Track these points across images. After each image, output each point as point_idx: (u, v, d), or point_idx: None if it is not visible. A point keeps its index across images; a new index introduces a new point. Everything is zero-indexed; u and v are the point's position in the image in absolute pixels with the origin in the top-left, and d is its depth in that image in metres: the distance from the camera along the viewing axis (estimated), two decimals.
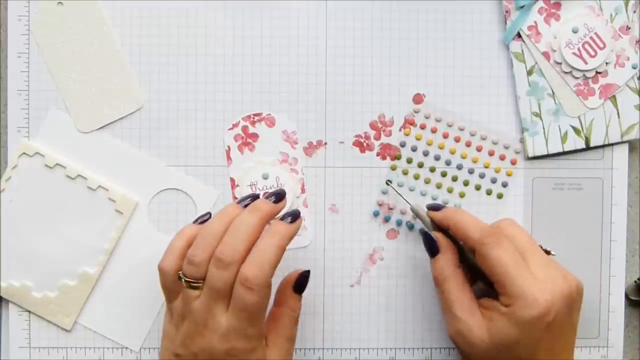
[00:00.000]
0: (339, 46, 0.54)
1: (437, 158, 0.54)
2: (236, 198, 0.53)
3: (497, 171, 0.54)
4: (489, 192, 0.54)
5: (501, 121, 0.54)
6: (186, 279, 0.45)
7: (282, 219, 0.46)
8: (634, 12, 0.53)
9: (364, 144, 0.54)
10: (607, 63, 0.53)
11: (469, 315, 0.46)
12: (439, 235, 0.49)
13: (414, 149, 0.54)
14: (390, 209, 0.54)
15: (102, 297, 0.54)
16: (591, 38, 0.53)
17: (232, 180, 0.53)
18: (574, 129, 0.54)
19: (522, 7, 0.53)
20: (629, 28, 0.53)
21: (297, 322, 0.49)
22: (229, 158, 0.54)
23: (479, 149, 0.54)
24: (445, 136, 0.54)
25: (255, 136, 0.54)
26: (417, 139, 0.54)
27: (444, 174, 0.54)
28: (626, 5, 0.53)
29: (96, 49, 0.53)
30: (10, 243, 0.53)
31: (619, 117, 0.54)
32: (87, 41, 0.53)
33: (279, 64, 0.53)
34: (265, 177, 0.53)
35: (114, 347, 0.54)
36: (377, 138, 0.54)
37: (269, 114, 0.54)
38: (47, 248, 0.53)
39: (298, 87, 0.54)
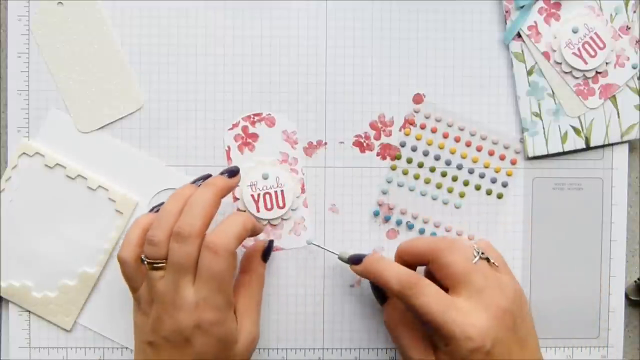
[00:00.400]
0: (339, 46, 0.54)
1: (437, 158, 0.54)
2: (237, 199, 0.53)
3: (497, 171, 0.54)
4: (489, 192, 0.54)
5: (501, 121, 0.54)
6: (148, 261, 0.45)
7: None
8: (634, 12, 0.53)
9: (364, 144, 0.54)
10: (607, 63, 0.53)
11: (423, 358, 0.47)
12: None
13: (414, 149, 0.54)
14: (390, 209, 0.54)
15: (102, 297, 0.54)
16: (591, 38, 0.53)
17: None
18: (574, 129, 0.54)
19: (522, 7, 0.53)
20: (629, 28, 0.53)
21: (262, 289, 0.51)
22: (229, 158, 0.54)
23: (479, 149, 0.54)
24: (445, 136, 0.54)
25: (255, 136, 0.54)
26: (417, 139, 0.54)
27: (444, 174, 0.54)
28: (626, 5, 0.53)
29: (96, 49, 0.53)
30: (10, 243, 0.53)
31: (619, 117, 0.54)
32: (87, 41, 0.53)
33: (279, 64, 0.53)
34: (265, 177, 0.53)
35: (114, 347, 0.54)
36: (377, 138, 0.54)
37: (269, 114, 0.54)
38: (47, 248, 0.53)
39: (298, 87, 0.54)
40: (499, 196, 0.54)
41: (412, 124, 0.54)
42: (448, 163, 0.54)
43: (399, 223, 0.54)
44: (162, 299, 0.45)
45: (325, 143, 0.54)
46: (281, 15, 0.53)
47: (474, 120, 0.54)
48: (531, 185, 0.54)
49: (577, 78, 0.53)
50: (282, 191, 0.53)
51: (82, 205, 0.53)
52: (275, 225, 0.53)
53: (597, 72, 0.53)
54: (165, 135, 0.54)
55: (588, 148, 0.54)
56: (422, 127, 0.54)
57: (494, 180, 0.54)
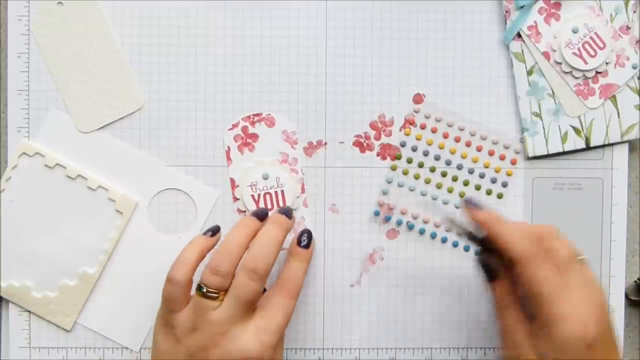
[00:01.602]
0: (339, 46, 0.54)
1: (437, 158, 0.54)
2: (237, 199, 0.53)
3: (497, 171, 0.54)
4: (489, 192, 0.54)
5: (501, 121, 0.54)
6: (208, 290, 0.45)
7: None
8: (634, 12, 0.53)
9: (364, 144, 0.54)
10: (607, 63, 0.53)
11: (519, 345, 0.45)
12: (496, 262, 0.47)
13: (414, 149, 0.54)
14: (391, 208, 0.54)
15: (102, 297, 0.54)
16: (591, 38, 0.53)
17: (232, 180, 0.53)
18: (574, 129, 0.54)
19: (522, 7, 0.53)
20: (629, 28, 0.53)
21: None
22: (228, 158, 0.54)
23: (479, 149, 0.54)
24: (445, 136, 0.54)
25: (255, 136, 0.54)
26: (417, 139, 0.54)
27: (444, 174, 0.54)
28: (626, 5, 0.53)
29: (96, 49, 0.53)
30: (10, 243, 0.53)
31: (619, 117, 0.54)
32: (87, 41, 0.53)
33: (279, 64, 0.53)
34: (265, 178, 0.53)
35: (114, 347, 0.54)
36: (377, 138, 0.54)
37: (269, 114, 0.54)
38: (47, 248, 0.53)
39: (298, 87, 0.54)
40: (499, 196, 0.54)
41: (412, 124, 0.54)
42: (448, 163, 0.54)
43: (399, 223, 0.54)
44: (212, 329, 0.44)
45: (325, 143, 0.54)
46: (281, 15, 0.53)
47: (474, 120, 0.54)
48: (531, 185, 0.54)
49: (577, 78, 0.53)
50: (282, 191, 0.53)
51: (82, 205, 0.53)
52: None
53: (597, 72, 0.53)
54: (165, 135, 0.54)
55: (588, 148, 0.54)
56: (422, 127, 0.54)
57: (494, 180, 0.54)
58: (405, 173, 0.54)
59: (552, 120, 0.54)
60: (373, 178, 0.54)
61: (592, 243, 0.54)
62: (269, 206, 0.53)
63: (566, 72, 0.53)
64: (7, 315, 0.54)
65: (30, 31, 0.53)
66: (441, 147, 0.54)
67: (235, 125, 0.54)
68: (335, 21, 0.54)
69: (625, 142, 0.54)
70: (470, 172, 0.54)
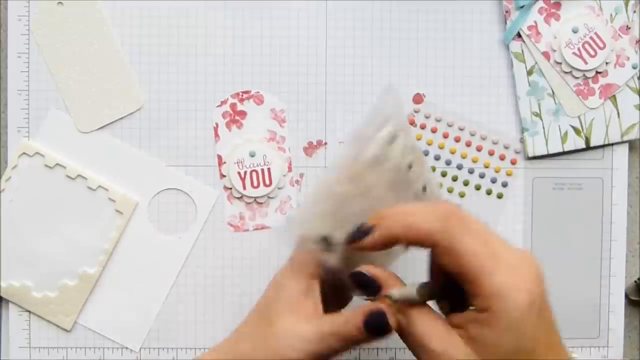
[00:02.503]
0: (339, 46, 0.54)
1: (437, 158, 0.54)
2: (223, 176, 0.53)
3: (497, 171, 0.54)
4: (489, 192, 0.54)
5: (501, 121, 0.54)
6: None
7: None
8: (634, 12, 0.53)
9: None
10: (607, 63, 0.53)
11: (448, 345, 0.36)
12: (374, 271, 0.39)
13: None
14: None
15: (102, 297, 0.54)
16: (591, 38, 0.53)
17: (219, 157, 0.53)
18: (574, 129, 0.54)
19: (522, 7, 0.53)
20: (629, 28, 0.53)
21: None
22: (216, 135, 0.54)
23: (479, 149, 0.54)
24: (445, 136, 0.54)
25: (243, 114, 0.54)
26: (417, 139, 0.54)
27: (444, 174, 0.54)
28: (626, 5, 0.53)
29: (96, 49, 0.53)
30: (10, 243, 0.53)
31: (619, 117, 0.54)
32: (87, 41, 0.53)
33: (279, 64, 0.53)
34: (252, 155, 0.53)
35: (114, 347, 0.54)
36: None
37: (258, 92, 0.53)
38: (47, 248, 0.53)
39: (298, 87, 0.54)
40: (499, 196, 0.54)
41: (412, 123, 0.54)
42: (448, 163, 0.54)
43: None
44: None
45: (325, 143, 0.54)
46: (281, 15, 0.53)
47: (474, 120, 0.54)
48: (531, 185, 0.54)
49: (577, 78, 0.53)
50: (268, 169, 0.53)
51: (82, 205, 0.53)
52: (261, 203, 0.53)
53: (597, 72, 0.53)
54: (165, 135, 0.54)
55: (588, 148, 0.54)
56: (422, 127, 0.54)
57: (494, 180, 0.54)
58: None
59: (552, 120, 0.54)
60: None
61: (592, 243, 0.54)
62: (255, 184, 0.53)
63: (566, 72, 0.53)
64: (7, 315, 0.54)
65: (30, 31, 0.53)
66: (441, 147, 0.54)
67: (223, 102, 0.54)
68: (335, 21, 0.53)
69: (625, 142, 0.54)
70: (470, 172, 0.54)
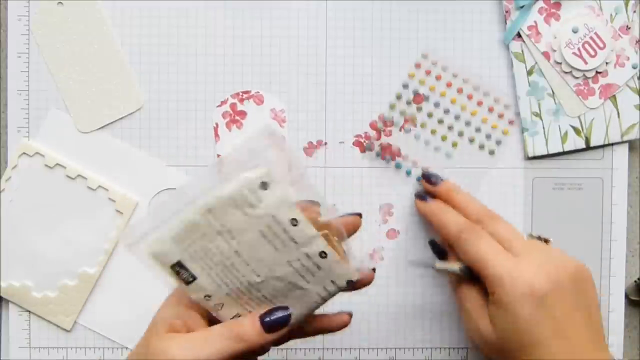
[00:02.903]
0: (339, 46, 0.54)
1: (436, 105, 0.54)
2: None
3: (493, 127, 0.54)
4: (481, 147, 0.54)
5: (501, 121, 0.54)
6: None
7: None
8: (634, 12, 0.53)
9: (364, 144, 0.54)
10: (607, 63, 0.53)
11: (476, 317, 0.45)
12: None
13: (415, 92, 0.54)
14: (381, 144, 0.54)
15: (102, 297, 0.54)
16: (591, 38, 0.53)
17: (219, 157, 0.53)
18: (574, 129, 0.54)
19: (522, 7, 0.53)
20: (629, 28, 0.53)
21: None
22: (216, 135, 0.54)
23: (479, 104, 0.54)
24: (449, 85, 0.54)
25: (243, 114, 0.54)
26: (421, 83, 0.54)
27: (440, 121, 0.54)
28: (626, 5, 0.53)
29: (96, 49, 0.53)
30: (10, 243, 0.53)
31: (619, 117, 0.54)
32: (87, 41, 0.53)
33: (279, 64, 0.53)
34: None
35: (114, 347, 0.54)
36: (377, 138, 0.54)
37: (258, 92, 0.54)
38: (47, 248, 0.53)
39: (298, 87, 0.54)
40: (491, 152, 0.54)
41: (418, 67, 0.53)
42: (446, 111, 0.54)
43: (387, 161, 0.54)
44: None
45: (325, 143, 0.54)
46: (281, 15, 0.53)
47: (477, 74, 0.54)
48: (531, 185, 0.54)
49: (577, 78, 0.53)
50: None
51: (82, 205, 0.53)
52: None
53: (597, 72, 0.53)
54: (165, 135, 0.54)
55: (588, 148, 0.54)
56: (427, 72, 0.53)
57: (488, 136, 0.54)
58: (402, 113, 0.54)
59: (552, 120, 0.54)
60: (373, 178, 0.54)
61: (592, 243, 0.54)
62: None
63: (566, 72, 0.53)
64: (7, 315, 0.54)
65: (30, 31, 0.53)
66: (442, 95, 0.54)
67: (223, 102, 0.54)
68: (335, 21, 0.54)
69: (625, 142, 0.54)
70: (467, 124, 0.54)
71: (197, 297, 0.41)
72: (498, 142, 0.54)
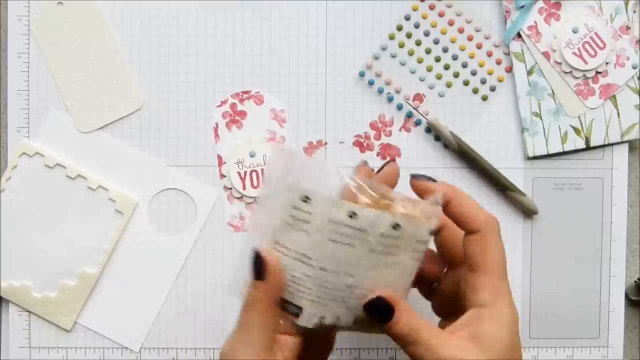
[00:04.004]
0: (339, 46, 0.54)
1: (436, 42, 0.53)
2: (223, 176, 0.53)
3: (489, 73, 0.54)
4: (475, 91, 0.54)
5: (501, 121, 0.54)
6: None
7: None
8: (634, 12, 0.53)
9: (364, 144, 0.54)
10: (607, 63, 0.53)
11: (456, 349, 0.39)
12: (387, 295, 0.40)
13: (416, 25, 0.53)
14: (377, 75, 0.54)
15: (102, 297, 0.54)
16: (591, 38, 0.53)
17: (219, 157, 0.53)
18: (574, 129, 0.54)
19: (522, 7, 0.53)
20: (629, 28, 0.53)
21: None
22: (216, 135, 0.54)
23: (479, 46, 0.54)
24: (451, 23, 0.53)
25: (243, 114, 0.54)
26: (423, 17, 0.53)
27: (437, 59, 0.54)
28: (626, 5, 0.53)
29: (96, 49, 0.53)
30: (10, 243, 0.53)
31: (619, 117, 0.54)
32: (87, 41, 0.53)
33: (279, 64, 0.53)
34: (252, 155, 0.53)
35: (114, 347, 0.54)
36: (377, 138, 0.54)
37: (258, 92, 0.54)
38: (47, 248, 0.53)
39: (298, 87, 0.54)
40: (484, 98, 0.54)
41: (416, 9, 0.53)
42: (445, 50, 0.54)
43: (380, 91, 0.54)
44: None
45: (325, 143, 0.54)
46: (281, 15, 0.53)
47: (483, 18, 0.54)
48: (531, 185, 0.54)
49: (577, 78, 0.53)
50: None
51: (82, 205, 0.53)
52: None
53: (597, 72, 0.53)
54: (165, 135, 0.54)
55: (588, 148, 0.54)
56: (432, 7, 0.53)
57: (483, 81, 0.54)
58: (401, 46, 0.53)
59: (552, 120, 0.54)
60: None
61: (592, 243, 0.54)
62: (255, 184, 0.53)
63: (566, 72, 0.53)
64: (7, 315, 0.54)
65: (30, 31, 0.53)
66: (443, 33, 0.53)
67: (223, 102, 0.54)
68: (335, 21, 0.54)
69: (625, 142, 0.54)
70: (464, 65, 0.54)
71: (312, 323, 0.40)
72: (492, 89, 0.54)
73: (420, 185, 0.42)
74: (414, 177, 0.43)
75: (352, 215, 0.38)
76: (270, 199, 0.39)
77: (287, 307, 0.40)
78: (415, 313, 0.40)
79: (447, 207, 0.41)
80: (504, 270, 0.41)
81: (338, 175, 0.40)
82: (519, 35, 0.53)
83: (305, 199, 0.38)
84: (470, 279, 0.41)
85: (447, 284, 0.45)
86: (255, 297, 0.39)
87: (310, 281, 0.39)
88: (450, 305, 0.44)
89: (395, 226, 0.39)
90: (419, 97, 0.54)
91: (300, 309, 0.40)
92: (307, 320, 0.40)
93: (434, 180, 0.43)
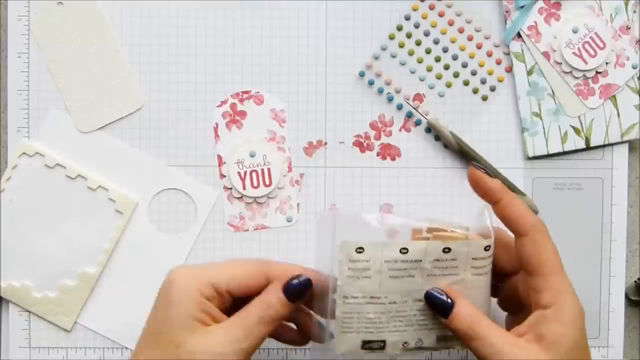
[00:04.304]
0: (339, 46, 0.54)
1: (436, 42, 0.53)
2: (223, 176, 0.53)
3: (489, 73, 0.54)
4: (475, 91, 0.54)
5: (501, 121, 0.54)
6: None
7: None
8: (634, 12, 0.53)
9: (364, 144, 0.54)
10: (607, 63, 0.53)
11: (519, 349, 0.41)
12: (447, 289, 0.43)
13: (416, 25, 0.53)
14: (377, 75, 0.54)
15: (102, 297, 0.54)
16: (591, 38, 0.53)
17: (219, 157, 0.53)
18: (574, 129, 0.54)
19: (522, 7, 0.53)
20: (629, 28, 0.53)
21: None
22: (216, 135, 0.54)
23: (479, 46, 0.54)
24: (451, 23, 0.53)
25: (243, 114, 0.54)
26: (423, 17, 0.53)
27: (437, 59, 0.54)
28: (626, 5, 0.53)
29: (96, 49, 0.53)
30: (10, 243, 0.53)
31: (619, 117, 0.54)
32: (87, 41, 0.53)
33: (279, 64, 0.53)
34: (252, 155, 0.53)
35: (114, 347, 0.54)
36: (377, 138, 0.54)
37: (258, 92, 0.54)
38: (47, 248, 0.53)
39: (298, 87, 0.54)
40: (484, 98, 0.54)
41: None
42: (445, 50, 0.54)
43: (380, 91, 0.54)
44: None
45: (325, 143, 0.54)
46: (281, 15, 0.53)
47: (483, 19, 0.53)
48: (531, 185, 0.54)
49: (577, 78, 0.53)
50: (268, 169, 0.53)
51: (82, 205, 0.53)
52: (261, 203, 0.53)
53: (597, 72, 0.53)
54: (165, 135, 0.54)
55: (588, 148, 0.54)
56: (432, 7, 0.53)
57: (483, 81, 0.54)
58: (401, 46, 0.54)
59: (552, 120, 0.54)
60: (373, 178, 0.54)
61: (592, 243, 0.54)
62: (255, 184, 0.53)
63: (566, 72, 0.53)
64: (7, 315, 0.54)
65: (30, 31, 0.53)
66: (443, 33, 0.53)
67: (223, 102, 0.54)
68: (335, 21, 0.54)
69: (625, 142, 0.54)
70: (464, 65, 0.54)
71: (398, 349, 0.45)
72: (492, 89, 0.54)
73: (476, 174, 0.44)
74: (473, 166, 0.44)
75: (404, 250, 0.43)
76: (326, 264, 0.43)
77: (371, 346, 0.44)
78: (479, 313, 0.42)
79: (496, 206, 0.43)
80: (561, 268, 0.42)
81: (379, 220, 0.44)
82: (519, 35, 0.53)
83: (360, 250, 0.42)
84: (529, 282, 0.43)
85: (508, 288, 0.46)
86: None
87: (385, 316, 0.44)
88: (515, 305, 0.46)
89: (446, 250, 0.43)
90: (419, 97, 0.54)
91: (383, 342, 0.44)
92: (393, 349, 0.45)
93: (491, 176, 0.44)
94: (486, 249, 0.44)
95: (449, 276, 0.44)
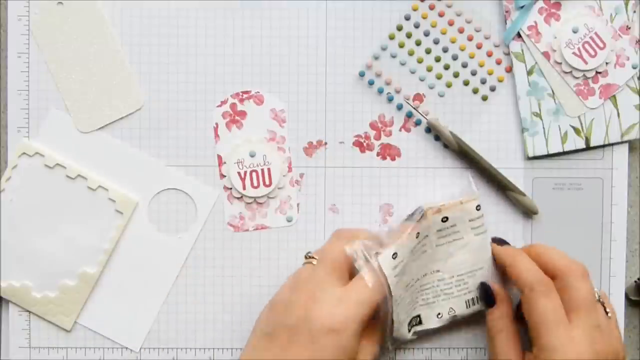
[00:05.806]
0: (339, 46, 0.54)
1: (436, 42, 0.53)
2: (223, 176, 0.53)
3: (489, 73, 0.54)
4: (475, 91, 0.54)
5: (501, 121, 0.54)
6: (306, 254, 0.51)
7: None
8: (634, 12, 0.53)
9: (364, 144, 0.54)
10: (607, 63, 0.53)
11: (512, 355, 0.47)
12: (496, 286, 0.50)
13: (416, 25, 0.53)
14: (377, 75, 0.54)
15: (102, 297, 0.54)
16: (591, 38, 0.53)
17: (219, 157, 0.53)
18: (574, 129, 0.54)
19: (522, 7, 0.53)
20: (629, 28, 0.53)
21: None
22: (216, 135, 0.54)
23: (479, 46, 0.54)
24: (451, 23, 0.53)
25: (243, 114, 0.54)
26: (423, 17, 0.53)
27: (437, 59, 0.54)
28: (626, 5, 0.53)
29: (96, 49, 0.53)
30: (10, 243, 0.53)
31: (619, 117, 0.54)
32: (87, 41, 0.53)
33: (279, 64, 0.53)
34: (252, 155, 0.53)
35: (114, 347, 0.54)
36: (377, 138, 0.54)
37: (258, 92, 0.54)
38: (47, 248, 0.53)
39: (298, 87, 0.54)
40: (484, 98, 0.54)
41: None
42: (445, 50, 0.54)
43: (380, 91, 0.54)
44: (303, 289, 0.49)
45: (325, 143, 0.54)
46: (281, 15, 0.53)
47: (483, 18, 0.54)
48: (531, 185, 0.54)
49: (577, 78, 0.53)
50: (268, 169, 0.53)
51: (82, 205, 0.53)
52: (261, 203, 0.53)
53: (597, 72, 0.53)
54: (165, 135, 0.54)
55: (588, 148, 0.54)
56: (432, 7, 0.53)
57: (483, 81, 0.54)
58: (401, 46, 0.54)
59: (552, 120, 0.54)
60: (373, 178, 0.54)
61: (592, 243, 0.54)
62: (255, 184, 0.53)
63: (566, 72, 0.53)
64: (7, 315, 0.54)
65: (30, 31, 0.53)
66: (443, 32, 0.53)
67: (223, 102, 0.54)
68: (335, 21, 0.54)
69: (625, 142, 0.54)
70: (464, 65, 0.54)
71: (434, 322, 0.52)
72: (492, 89, 0.54)
73: (493, 247, 0.51)
74: (495, 241, 0.52)
75: (417, 235, 0.49)
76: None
77: (411, 322, 0.51)
78: (510, 319, 0.49)
79: (504, 270, 0.50)
80: (551, 324, 0.45)
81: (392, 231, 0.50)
82: (519, 35, 0.53)
83: (394, 256, 0.47)
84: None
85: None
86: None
87: (414, 294, 0.50)
88: None
89: (444, 219, 0.50)
90: (419, 97, 0.54)
91: (418, 316, 0.51)
92: (428, 321, 0.52)
93: (507, 243, 0.51)
94: (477, 208, 0.50)
95: (456, 241, 0.50)
